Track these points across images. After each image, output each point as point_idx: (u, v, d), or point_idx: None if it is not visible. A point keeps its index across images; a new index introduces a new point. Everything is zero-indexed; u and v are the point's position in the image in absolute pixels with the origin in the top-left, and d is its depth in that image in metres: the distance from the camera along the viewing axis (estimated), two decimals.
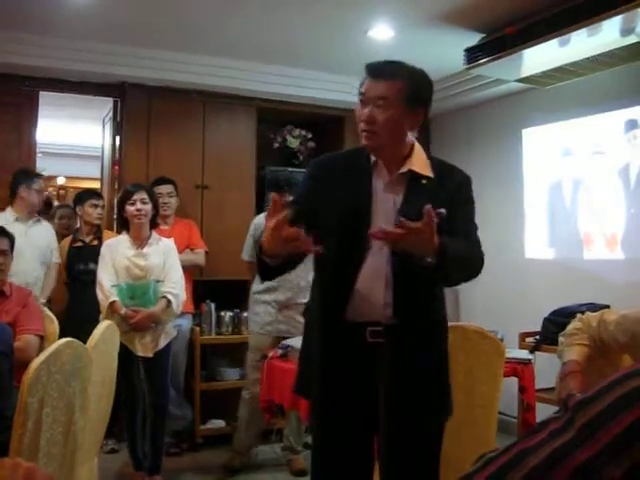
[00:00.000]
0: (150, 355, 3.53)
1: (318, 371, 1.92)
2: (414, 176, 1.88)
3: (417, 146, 1.94)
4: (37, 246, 4.02)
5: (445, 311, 2.02)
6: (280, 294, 3.87)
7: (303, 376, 2.02)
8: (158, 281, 3.56)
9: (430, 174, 1.89)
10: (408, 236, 1.60)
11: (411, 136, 1.92)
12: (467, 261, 1.86)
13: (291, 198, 2.16)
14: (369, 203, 1.87)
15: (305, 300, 3.78)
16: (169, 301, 3.53)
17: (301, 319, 3.82)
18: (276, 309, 3.90)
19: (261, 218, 4.05)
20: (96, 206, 4.34)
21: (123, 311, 3.43)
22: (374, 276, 1.85)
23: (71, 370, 2.02)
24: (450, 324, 2.61)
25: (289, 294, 3.88)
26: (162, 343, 3.59)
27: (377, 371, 1.84)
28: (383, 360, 1.83)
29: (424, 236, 1.60)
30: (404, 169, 1.88)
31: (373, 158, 1.93)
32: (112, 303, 3.43)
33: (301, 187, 2.07)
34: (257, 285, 3.97)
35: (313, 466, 2.01)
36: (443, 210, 1.68)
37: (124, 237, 3.63)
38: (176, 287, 3.59)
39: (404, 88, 1.81)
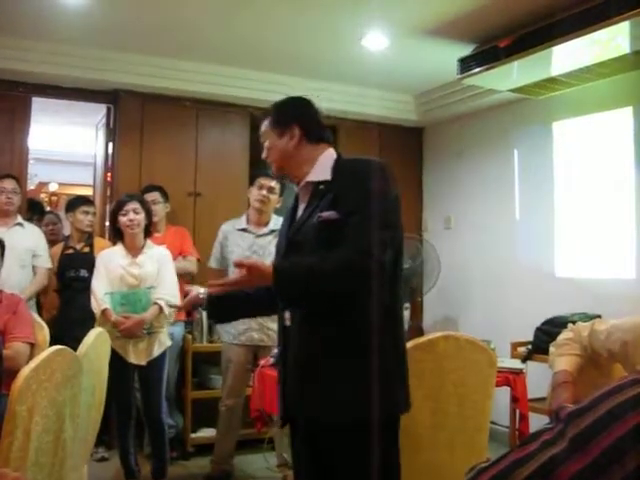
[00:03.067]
0: (143, 363, 3.51)
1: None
2: (316, 184, 1.99)
3: (325, 154, 2.03)
4: (14, 249, 3.94)
5: (374, 318, 1.87)
6: None
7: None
8: (150, 288, 3.54)
9: (326, 178, 1.96)
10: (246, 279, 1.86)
11: (326, 148, 2.06)
12: (309, 281, 1.80)
13: None
14: (294, 216, 2.06)
15: None
16: (161, 307, 3.51)
17: (273, 326, 3.79)
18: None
19: (229, 225, 4.03)
20: (87, 213, 4.33)
21: (113, 317, 3.42)
22: None
23: (61, 378, 2.00)
24: (442, 333, 2.62)
25: None
26: (156, 352, 3.56)
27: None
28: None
29: (252, 278, 1.83)
30: (303, 182, 2.03)
31: None
32: (104, 311, 3.43)
33: None
34: None
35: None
36: (326, 214, 1.84)
37: (119, 247, 3.62)
38: (169, 293, 3.56)
39: (270, 118, 2.15)
